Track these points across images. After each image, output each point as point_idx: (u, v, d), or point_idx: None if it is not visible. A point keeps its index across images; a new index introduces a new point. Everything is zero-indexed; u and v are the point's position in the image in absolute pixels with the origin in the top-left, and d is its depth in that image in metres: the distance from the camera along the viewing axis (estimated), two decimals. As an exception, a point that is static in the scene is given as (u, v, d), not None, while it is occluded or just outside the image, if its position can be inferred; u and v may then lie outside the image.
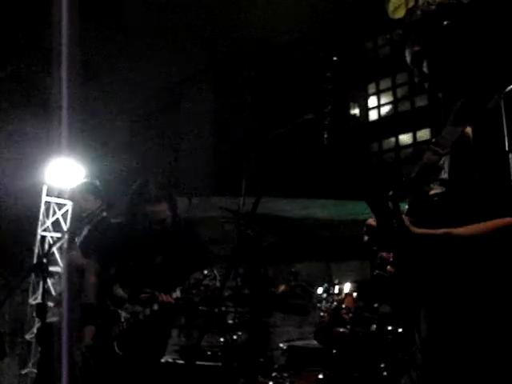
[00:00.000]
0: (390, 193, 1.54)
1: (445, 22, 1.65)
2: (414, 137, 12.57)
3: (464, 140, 1.60)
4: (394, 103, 10.38)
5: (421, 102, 9.73)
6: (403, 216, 1.55)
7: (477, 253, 1.51)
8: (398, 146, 9.81)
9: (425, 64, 1.70)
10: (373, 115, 10.63)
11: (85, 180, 4.75)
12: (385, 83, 10.57)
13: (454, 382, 1.54)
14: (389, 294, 1.65)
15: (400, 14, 3.81)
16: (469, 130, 1.60)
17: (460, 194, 1.57)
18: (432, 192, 1.63)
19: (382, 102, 10.54)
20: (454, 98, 1.72)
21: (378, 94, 10.60)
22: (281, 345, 3.67)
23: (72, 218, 7.13)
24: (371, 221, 1.62)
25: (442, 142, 1.69)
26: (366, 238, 1.64)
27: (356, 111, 10.53)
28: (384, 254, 1.64)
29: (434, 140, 1.73)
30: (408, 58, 1.76)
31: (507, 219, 1.47)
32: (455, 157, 1.61)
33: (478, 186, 1.53)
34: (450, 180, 1.60)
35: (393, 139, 10.21)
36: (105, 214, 4.06)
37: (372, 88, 10.67)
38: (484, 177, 1.52)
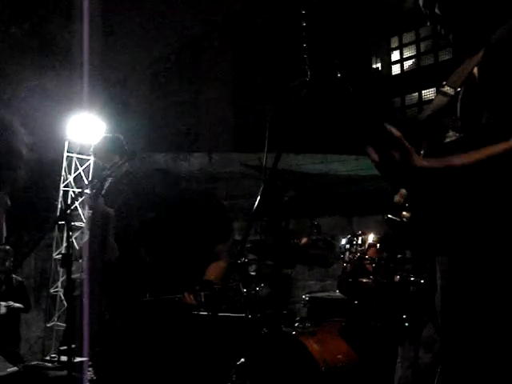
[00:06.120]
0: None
1: None
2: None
3: (472, 80, 1.53)
4: (418, 57, 10.15)
5: (445, 55, 9.51)
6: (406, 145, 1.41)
7: (481, 182, 1.42)
8: (421, 101, 9.64)
9: (436, 5, 1.64)
10: (395, 69, 10.42)
11: (107, 135, 4.72)
12: (408, 37, 10.31)
13: (472, 327, 1.51)
14: (404, 240, 1.60)
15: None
16: (476, 68, 1.53)
17: (470, 140, 1.50)
18: (447, 140, 1.58)
19: (405, 55, 10.31)
20: (465, 38, 1.65)
21: (400, 47, 10.36)
22: (303, 296, 3.70)
23: (94, 173, 7.17)
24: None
25: (451, 83, 1.63)
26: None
27: (378, 65, 10.32)
28: (397, 198, 1.58)
29: (444, 82, 1.66)
30: (421, 1, 1.70)
31: (502, 145, 1.38)
32: (464, 99, 1.55)
33: (486, 130, 1.47)
34: (462, 125, 1.54)
35: (416, 94, 10.01)
36: (128, 166, 4.04)
37: (395, 41, 10.42)
38: (492, 118, 1.45)
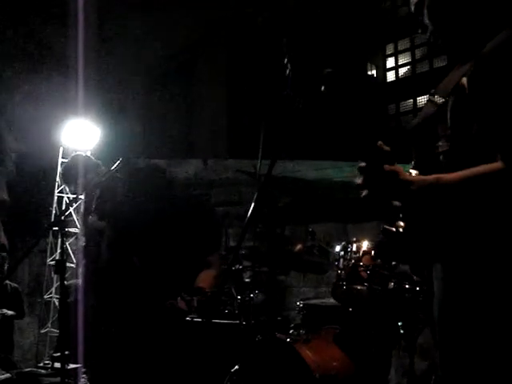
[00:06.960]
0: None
1: None
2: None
3: (461, 90, 1.53)
4: (413, 64, 10.19)
5: (440, 62, 9.55)
6: (396, 166, 1.47)
7: (468, 199, 1.44)
8: (416, 108, 9.68)
9: (425, 11, 1.65)
10: (390, 76, 10.46)
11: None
12: (403, 44, 10.35)
13: (468, 335, 1.50)
14: (400, 250, 1.61)
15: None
16: (465, 79, 1.53)
17: (461, 150, 1.50)
18: (438, 149, 1.58)
19: (400, 62, 10.35)
20: (453, 45, 1.65)
21: (396, 54, 10.40)
22: (298, 303, 3.69)
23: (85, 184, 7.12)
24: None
25: (440, 92, 1.63)
26: (358, 180, 1.51)
27: (373, 72, 10.36)
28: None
29: (432, 90, 1.67)
30: (412, 7, 1.70)
31: (493, 165, 1.40)
32: (454, 109, 1.55)
33: (476, 141, 1.47)
34: (452, 135, 1.54)
35: (410, 101, 10.04)
36: (118, 173, 3.99)
37: (390, 48, 10.47)
38: (482, 129, 1.46)
